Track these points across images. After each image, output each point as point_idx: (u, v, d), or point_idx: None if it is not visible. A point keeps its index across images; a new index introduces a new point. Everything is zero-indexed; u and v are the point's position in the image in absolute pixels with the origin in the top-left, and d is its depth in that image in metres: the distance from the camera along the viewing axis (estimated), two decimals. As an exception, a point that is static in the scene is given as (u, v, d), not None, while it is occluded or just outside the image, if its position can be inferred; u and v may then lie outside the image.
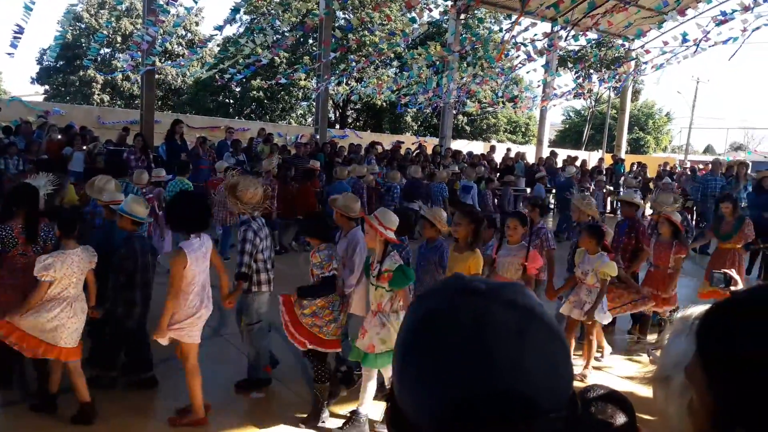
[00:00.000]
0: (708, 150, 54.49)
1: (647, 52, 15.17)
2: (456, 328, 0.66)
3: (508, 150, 19.07)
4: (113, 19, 32.29)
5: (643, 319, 6.38)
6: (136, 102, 24.29)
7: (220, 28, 10.67)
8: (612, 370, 5.65)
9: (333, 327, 4.30)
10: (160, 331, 3.95)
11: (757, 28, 12.80)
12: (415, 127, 31.99)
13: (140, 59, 13.08)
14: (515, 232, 5.18)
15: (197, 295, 4.06)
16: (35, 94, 34.25)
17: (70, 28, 29.42)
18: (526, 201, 6.72)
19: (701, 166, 24.08)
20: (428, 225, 4.91)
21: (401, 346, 0.71)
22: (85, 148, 11.38)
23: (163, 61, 30.71)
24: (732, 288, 3.38)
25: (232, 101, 33.01)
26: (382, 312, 4.10)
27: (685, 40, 14.07)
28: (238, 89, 30.95)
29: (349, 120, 32.81)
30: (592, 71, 27.39)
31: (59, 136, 11.80)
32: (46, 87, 34.98)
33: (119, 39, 32.52)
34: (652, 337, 6.32)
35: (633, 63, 18.75)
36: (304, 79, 24.20)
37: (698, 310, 0.76)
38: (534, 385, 0.64)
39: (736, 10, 12.75)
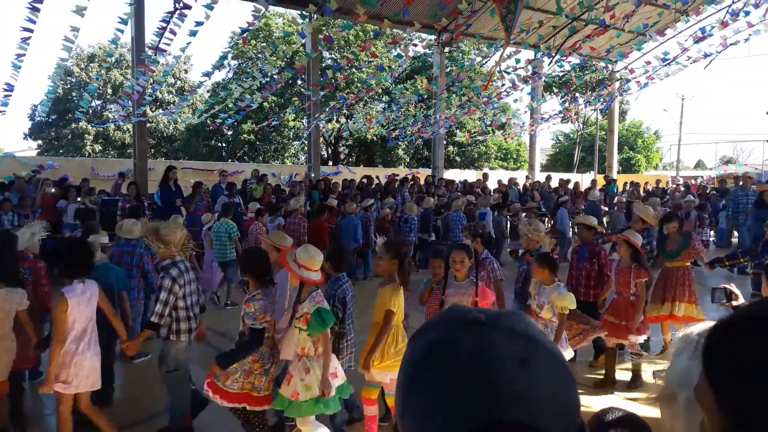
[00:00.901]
0: (699, 165, 54.89)
1: (631, 71, 15.42)
2: (458, 360, 0.65)
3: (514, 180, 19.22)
4: (103, 71, 32.70)
5: (609, 351, 5.72)
6: (129, 151, 24.44)
7: (208, 74, 10.81)
8: (617, 392, 5.53)
9: (265, 381, 4.04)
10: (47, 383, 3.84)
11: (734, 42, 13.07)
12: (407, 160, 32.18)
13: (131, 109, 13.21)
14: (462, 266, 4.64)
15: (74, 342, 3.93)
16: (29, 149, 34.51)
17: (61, 82, 29.78)
18: (465, 230, 6.15)
19: (693, 182, 24.27)
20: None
21: (403, 380, 0.70)
22: (79, 199, 11.44)
23: (154, 109, 31.04)
24: (734, 303, 3.33)
25: (224, 145, 33.24)
26: (307, 356, 3.87)
27: (665, 59, 14.34)
28: (229, 133, 31.21)
29: (342, 156, 33.03)
30: (577, 94, 27.77)
31: (53, 190, 11.85)
32: (39, 141, 35.20)
33: (110, 90, 32.89)
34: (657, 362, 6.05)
35: (617, 84, 19.06)
36: (294, 119, 24.45)
37: (700, 328, 0.76)
38: (541, 414, 0.63)
39: (714, 26, 13.06)
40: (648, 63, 14.79)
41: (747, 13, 12.62)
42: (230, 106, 14.40)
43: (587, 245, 6.26)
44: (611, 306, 5.79)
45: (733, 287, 3.76)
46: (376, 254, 5.11)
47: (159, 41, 9.31)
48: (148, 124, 15.94)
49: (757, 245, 5.70)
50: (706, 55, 13.52)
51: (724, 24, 12.93)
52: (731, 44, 12.97)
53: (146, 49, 10.90)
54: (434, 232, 12.81)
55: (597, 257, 6.08)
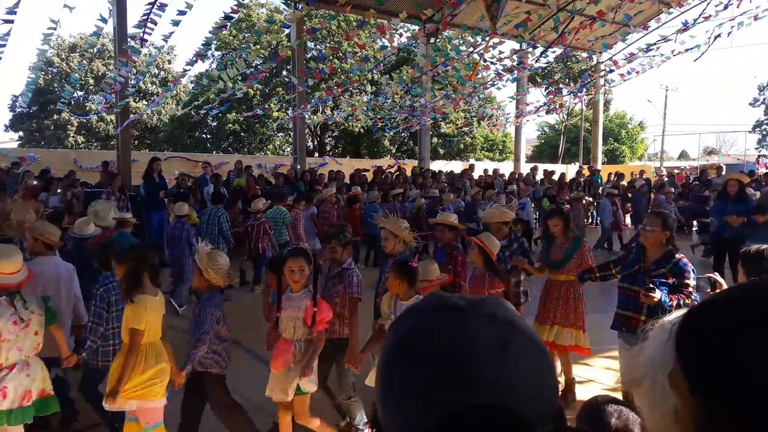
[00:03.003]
0: (683, 156, 55.42)
1: (615, 63, 15.49)
2: (438, 345, 0.66)
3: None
4: (85, 62, 32.27)
5: None
6: (113, 142, 24.15)
7: (192, 63, 10.70)
8: (596, 381, 5.56)
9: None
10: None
11: (718, 35, 13.14)
12: (393, 151, 32.17)
13: (114, 100, 13.06)
14: (302, 276, 3.94)
15: None
16: (9, 141, 33.99)
17: (42, 73, 29.35)
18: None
19: (677, 172, 24.49)
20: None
21: (384, 366, 0.71)
22: (59, 190, 11.30)
23: (137, 100, 30.69)
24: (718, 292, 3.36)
25: (208, 136, 32.99)
26: None
27: (648, 50, 14.40)
28: (214, 124, 30.98)
29: (328, 147, 32.93)
30: (561, 86, 27.87)
31: (35, 182, 11.69)
32: (20, 133, 34.72)
33: (92, 81, 32.47)
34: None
35: (601, 75, 19.13)
36: (278, 110, 24.30)
37: (675, 316, 0.76)
38: (520, 398, 0.64)
39: (697, 19, 13.12)
40: (632, 54, 14.85)
41: (726, 7, 12.67)
42: (214, 96, 14.27)
43: (445, 248, 5.37)
44: None
45: (717, 276, 3.82)
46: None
47: (143, 31, 9.19)
48: (132, 115, 15.75)
49: (629, 252, 4.50)
50: (688, 50, 13.58)
51: (705, 17, 13.01)
52: (716, 36, 13.05)
53: (128, 39, 10.76)
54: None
55: (454, 263, 5.15)
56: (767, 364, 0.60)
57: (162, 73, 34.65)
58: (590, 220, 17.45)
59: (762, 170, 23.71)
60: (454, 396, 0.63)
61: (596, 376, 5.72)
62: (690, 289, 3.89)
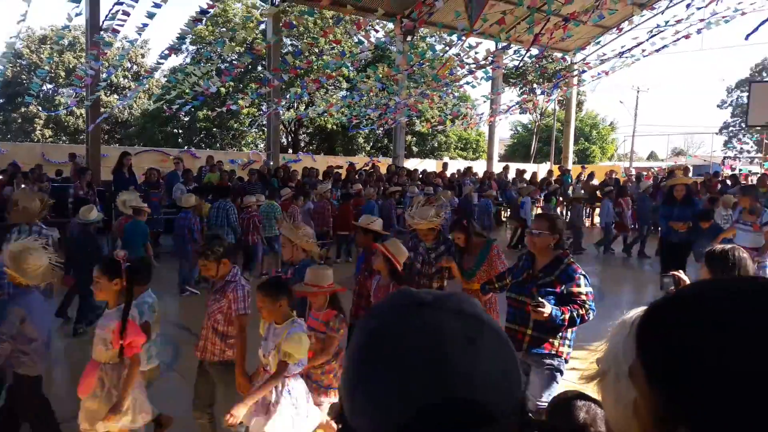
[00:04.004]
0: (651, 156, 56.47)
1: (587, 64, 15.75)
2: (407, 340, 0.66)
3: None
4: (55, 54, 31.58)
5: None
6: (82, 136, 23.67)
7: (165, 57, 10.55)
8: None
9: None
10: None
11: (687, 35, 13.44)
12: (368, 149, 32.16)
13: (84, 94, 12.82)
14: (105, 291, 3.52)
15: None
16: (-26, 133, 33.13)
17: (10, 65, 28.64)
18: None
19: (645, 173, 24.95)
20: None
21: (352, 362, 0.71)
22: (23, 186, 11.05)
23: (108, 94, 30.15)
24: None
25: (180, 131, 32.57)
26: None
27: (623, 54, 14.69)
28: (186, 119, 30.61)
29: (302, 144, 32.79)
30: (535, 86, 28.17)
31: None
32: (-14, 126, 33.89)
33: (62, 74, 31.80)
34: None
35: (575, 75, 19.42)
36: (249, 106, 24.11)
37: (637, 311, 0.77)
38: (486, 392, 0.65)
39: (668, 21, 13.43)
40: (604, 55, 15.13)
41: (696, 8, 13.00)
42: (187, 91, 14.09)
43: (364, 252, 5.08)
44: None
45: (681, 274, 3.87)
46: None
47: (115, 23, 9.04)
48: (102, 109, 15.45)
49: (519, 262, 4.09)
50: (658, 50, 13.91)
51: (678, 20, 13.34)
52: (683, 36, 13.37)
53: (101, 31, 10.58)
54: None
55: (371, 268, 4.72)
56: (720, 359, 0.61)
57: (135, 66, 34.09)
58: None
59: (727, 171, 24.33)
60: (425, 391, 0.63)
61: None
62: (583, 298, 3.52)
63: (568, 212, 15.14)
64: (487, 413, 0.64)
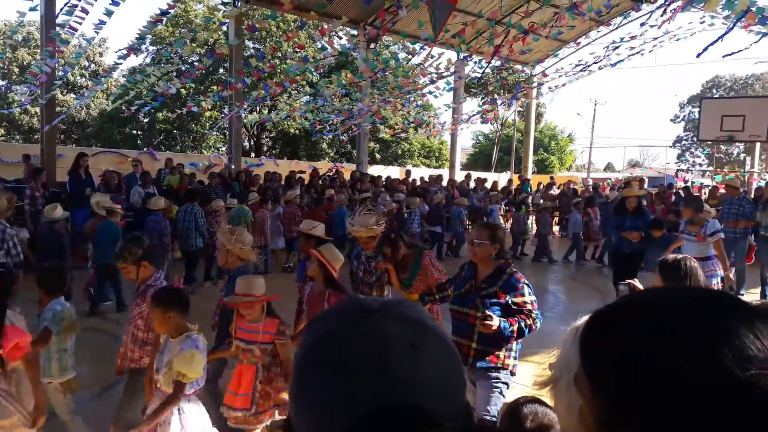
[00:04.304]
0: (608, 167, 57.80)
1: (545, 75, 16.12)
2: (352, 346, 0.67)
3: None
4: (8, 50, 30.63)
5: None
6: (36, 136, 22.98)
7: (123, 56, 10.36)
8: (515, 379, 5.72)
9: None
10: None
11: (639, 51, 13.90)
12: (332, 154, 32.10)
13: (39, 91, 12.47)
14: None
15: None
16: None
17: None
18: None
19: (602, 184, 25.57)
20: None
21: (298, 367, 0.71)
22: None
23: (65, 92, 29.38)
24: None
25: (139, 133, 31.93)
26: None
27: (585, 69, 15.11)
28: (145, 120, 30.02)
29: (265, 148, 32.51)
30: (496, 96, 28.60)
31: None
32: (-67, 123, 32.57)
33: (16, 70, 30.84)
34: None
35: (534, 87, 19.82)
36: (211, 109, 23.80)
37: (586, 318, 0.78)
38: (430, 397, 0.66)
39: (623, 38, 13.87)
40: (561, 68, 15.53)
41: (653, 26, 13.48)
42: (146, 92, 13.83)
43: (304, 260, 4.89)
44: None
45: (636, 283, 3.96)
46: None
47: (72, 19, 8.86)
48: (58, 108, 15.01)
49: (461, 272, 4.09)
50: (613, 65, 14.36)
51: (632, 37, 13.82)
52: (637, 52, 13.83)
53: (56, 27, 10.33)
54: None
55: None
56: (657, 365, 0.63)
57: (92, 65, 33.31)
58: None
59: (680, 183, 25.16)
60: (368, 396, 0.64)
61: (519, 379, 5.88)
62: (529, 307, 3.50)
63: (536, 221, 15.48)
64: (430, 418, 0.64)
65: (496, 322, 3.29)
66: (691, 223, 7.37)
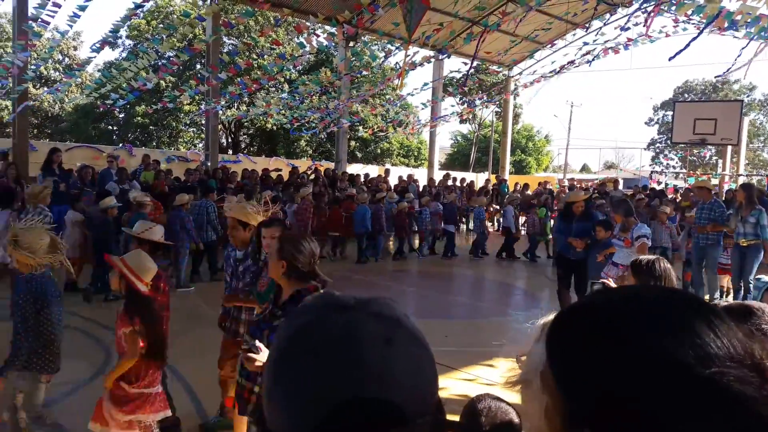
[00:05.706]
0: (584, 169, 58.42)
1: (518, 81, 16.31)
2: (325, 341, 0.68)
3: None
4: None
5: None
6: (8, 130, 22.51)
7: (97, 50, 10.24)
8: (478, 377, 5.66)
9: None
10: None
11: (615, 49, 14.17)
12: (310, 152, 32.01)
13: (10, 84, 12.27)
14: None
15: None
16: None
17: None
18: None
19: (577, 185, 25.85)
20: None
21: (272, 362, 0.72)
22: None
23: (38, 87, 28.87)
24: None
25: (115, 128, 31.50)
26: None
27: (561, 71, 15.32)
28: (121, 116, 29.63)
29: (243, 145, 32.30)
30: (475, 98, 28.78)
31: None
32: None
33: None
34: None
35: (511, 87, 20.02)
36: (189, 104, 23.58)
37: (552, 316, 0.79)
38: (401, 392, 0.66)
39: (596, 40, 14.10)
40: (535, 71, 15.74)
41: (627, 29, 13.73)
42: (123, 86, 13.67)
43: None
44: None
45: (610, 283, 4.04)
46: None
47: (45, 12, 8.73)
48: (31, 103, 14.72)
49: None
50: (588, 62, 14.61)
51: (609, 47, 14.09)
52: (610, 48, 14.09)
53: (29, 20, 10.18)
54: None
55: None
56: (616, 366, 0.64)
57: (66, 59, 32.79)
58: (497, 227, 18.12)
59: (654, 185, 25.54)
60: (340, 391, 0.65)
61: (479, 374, 5.89)
62: None
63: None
64: (401, 413, 0.65)
65: (262, 357, 2.53)
66: (622, 229, 7.05)
